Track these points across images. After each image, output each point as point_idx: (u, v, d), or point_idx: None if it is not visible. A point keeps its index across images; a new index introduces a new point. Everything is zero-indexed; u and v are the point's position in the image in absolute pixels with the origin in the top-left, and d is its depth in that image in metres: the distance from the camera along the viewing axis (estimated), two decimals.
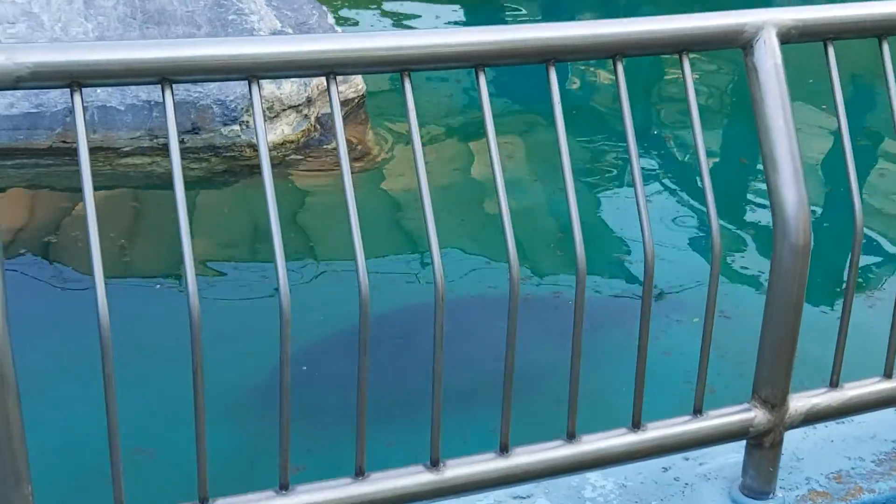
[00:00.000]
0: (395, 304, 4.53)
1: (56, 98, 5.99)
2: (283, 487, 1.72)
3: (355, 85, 6.84)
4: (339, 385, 3.82)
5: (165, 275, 4.90)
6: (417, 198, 1.71)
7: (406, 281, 4.85)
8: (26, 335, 3.94)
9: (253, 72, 1.59)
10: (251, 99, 1.59)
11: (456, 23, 8.55)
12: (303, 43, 1.63)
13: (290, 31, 6.73)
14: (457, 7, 9.12)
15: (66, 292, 4.71)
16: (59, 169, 5.90)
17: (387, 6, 8.80)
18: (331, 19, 7.12)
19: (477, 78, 1.74)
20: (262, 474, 3.22)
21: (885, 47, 1.98)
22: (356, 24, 8.23)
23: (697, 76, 7.60)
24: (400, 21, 8.58)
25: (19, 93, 5.84)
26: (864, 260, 5.21)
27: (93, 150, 5.92)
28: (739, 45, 1.88)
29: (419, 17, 8.67)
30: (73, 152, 5.26)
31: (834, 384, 2.13)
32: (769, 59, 1.86)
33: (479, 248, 5.20)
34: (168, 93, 1.55)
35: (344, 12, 8.54)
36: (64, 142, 5.95)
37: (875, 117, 6.86)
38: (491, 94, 1.75)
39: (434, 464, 1.80)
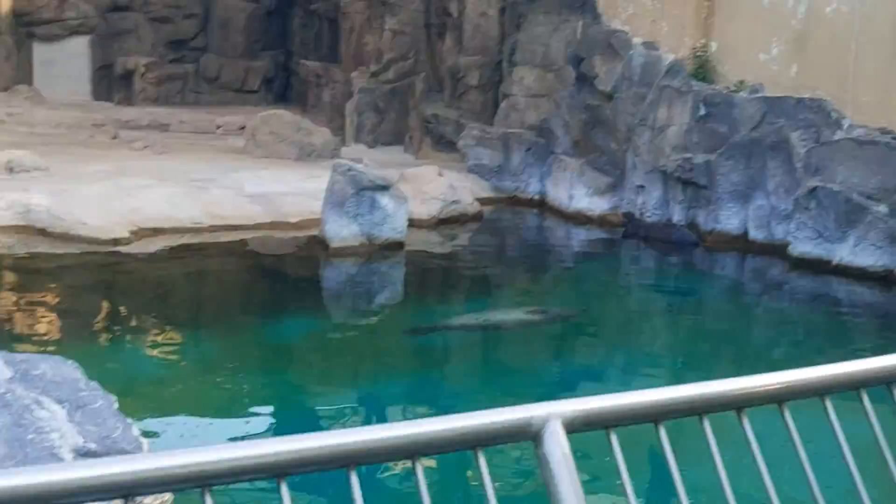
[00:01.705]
0: None
1: None
2: None
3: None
4: None
5: None
6: None
7: None
8: None
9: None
10: None
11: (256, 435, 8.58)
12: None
13: (94, 445, 6.58)
14: (252, 419, 9.17)
15: None
16: None
17: (193, 421, 8.77)
18: (136, 431, 7.02)
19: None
20: None
21: (662, 432, 2.11)
22: (157, 436, 8.13)
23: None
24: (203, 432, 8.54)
25: None
26: None
27: None
28: (529, 437, 1.98)
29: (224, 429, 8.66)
30: None
31: None
32: (557, 449, 1.96)
33: None
34: None
35: (151, 423, 8.45)
36: None
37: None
38: None
39: None
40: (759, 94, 14.99)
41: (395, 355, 11.06)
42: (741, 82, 15.43)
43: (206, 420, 8.69)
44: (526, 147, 17.40)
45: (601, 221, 16.25)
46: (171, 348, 10.42)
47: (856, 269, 13.35)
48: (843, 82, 14.52)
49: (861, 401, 2.33)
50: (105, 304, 11.98)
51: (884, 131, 13.86)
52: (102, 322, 11.21)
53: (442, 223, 15.54)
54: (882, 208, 13.27)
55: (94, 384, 7.62)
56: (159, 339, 10.62)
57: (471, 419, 1.95)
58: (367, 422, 9.05)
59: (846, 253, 13.46)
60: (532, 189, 17.42)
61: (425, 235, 15.08)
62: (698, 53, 15.97)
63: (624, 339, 11.73)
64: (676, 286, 14.18)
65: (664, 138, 15.55)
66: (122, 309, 11.79)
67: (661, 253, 15.23)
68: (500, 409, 2.00)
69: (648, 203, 15.81)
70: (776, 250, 14.34)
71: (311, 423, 8.75)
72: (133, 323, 11.07)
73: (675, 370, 10.64)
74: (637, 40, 16.54)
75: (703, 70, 15.85)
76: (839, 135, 14.03)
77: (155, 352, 10.20)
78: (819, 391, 2.28)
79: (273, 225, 14.69)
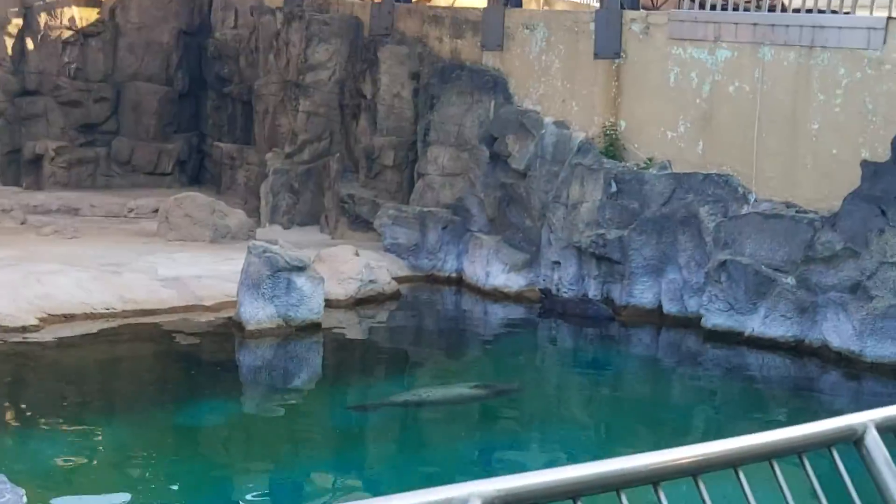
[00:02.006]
0: None
1: None
2: None
3: None
4: None
5: None
6: None
7: None
8: None
9: None
10: None
11: None
12: None
13: None
14: None
15: None
16: None
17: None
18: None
19: None
20: None
21: None
22: None
23: None
24: None
25: None
26: None
27: None
28: None
29: None
30: None
31: None
32: None
33: None
34: None
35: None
36: None
37: None
38: None
39: None
40: (668, 171, 15.35)
41: (315, 436, 10.92)
42: (650, 159, 15.79)
43: None
44: (442, 225, 17.51)
45: (518, 298, 16.35)
46: (83, 438, 10.15)
47: (767, 340, 13.61)
48: (747, 158, 14.95)
49: (773, 471, 2.37)
50: (13, 394, 11.64)
51: (788, 205, 14.27)
52: (10, 412, 10.88)
53: (359, 303, 15.49)
54: (790, 280, 13.60)
55: (1, 477, 7.39)
56: (71, 428, 10.34)
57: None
58: None
59: (757, 324, 13.73)
60: (449, 267, 17.49)
61: (343, 315, 15.01)
62: (608, 132, 16.33)
63: (552, 415, 11.77)
64: (595, 361, 14.30)
65: (578, 215, 15.79)
66: (32, 398, 11.47)
67: (578, 328, 15.36)
68: (420, 491, 2.00)
69: (564, 279, 15.98)
70: (690, 323, 14.56)
71: None
72: (43, 413, 10.76)
73: (599, 443, 10.69)
74: (548, 119, 16.87)
75: (613, 148, 16.19)
76: (746, 209, 14.41)
77: (66, 442, 9.92)
78: (732, 463, 2.32)
79: (188, 308, 14.49)
